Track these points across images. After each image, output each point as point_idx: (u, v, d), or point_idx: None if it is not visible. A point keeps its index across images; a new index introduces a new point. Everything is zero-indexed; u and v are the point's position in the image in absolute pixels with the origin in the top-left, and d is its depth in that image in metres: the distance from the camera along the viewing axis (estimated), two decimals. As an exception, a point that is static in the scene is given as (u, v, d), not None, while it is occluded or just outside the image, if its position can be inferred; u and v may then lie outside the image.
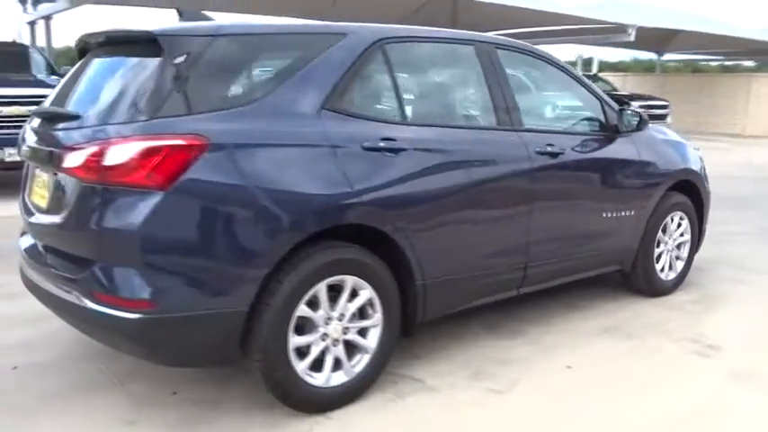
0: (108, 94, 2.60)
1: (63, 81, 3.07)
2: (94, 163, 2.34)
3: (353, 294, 2.76)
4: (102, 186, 2.35)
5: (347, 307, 2.75)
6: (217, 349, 2.50)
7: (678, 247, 4.45)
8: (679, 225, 4.41)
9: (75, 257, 2.52)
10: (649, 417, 2.77)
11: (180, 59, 2.44)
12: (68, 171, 2.46)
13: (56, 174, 2.62)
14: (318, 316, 2.67)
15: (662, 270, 4.34)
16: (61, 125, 2.67)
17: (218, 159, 2.38)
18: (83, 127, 2.53)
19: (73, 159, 2.41)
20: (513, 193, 3.34)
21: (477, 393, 2.97)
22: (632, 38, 16.66)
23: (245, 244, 2.45)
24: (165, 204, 2.30)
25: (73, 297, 2.46)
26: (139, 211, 2.30)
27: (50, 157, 2.61)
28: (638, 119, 3.96)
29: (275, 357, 2.55)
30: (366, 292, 2.79)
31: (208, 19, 3.05)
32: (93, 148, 2.36)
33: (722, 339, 3.64)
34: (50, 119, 2.82)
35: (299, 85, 2.67)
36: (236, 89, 2.60)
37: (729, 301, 4.35)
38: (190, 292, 2.39)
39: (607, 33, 17.06)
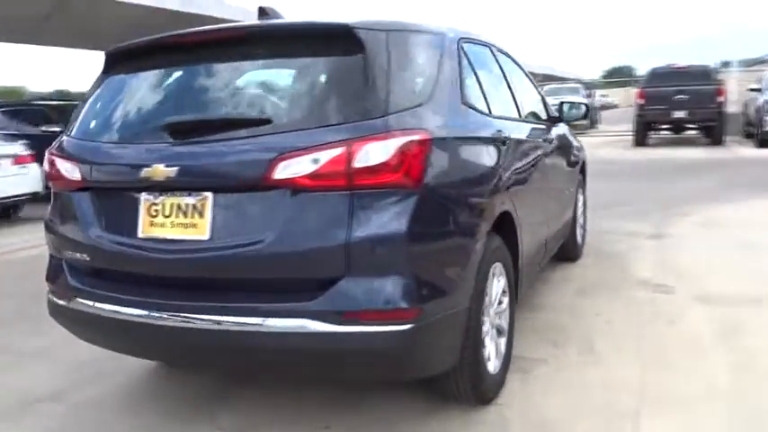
0: (300, 94, 2.37)
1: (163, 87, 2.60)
2: (339, 166, 2.09)
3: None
4: (347, 192, 2.11)
5: (494, 293, 2.84)
6: (451, 352, 2.41)
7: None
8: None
9: (293, 281, 2.19)
10: None
11: (386, 55, 2.31)
12: (290, 182, 2.14)
13: (229, 192, 2.27)
14: (486, 305, 2.72)
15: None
16: (239, 133, 2.29)
17: (440, 154, 2.33)
18: (283, 131, 2.22)
19: (300, 167, 2.12)
20: (544, 175, 3.79)
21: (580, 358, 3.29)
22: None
23: (468, 236, 2.45)
24: (419, 203, 2.18)
25: (296, 326, 2.13)
26: (398, 214, 2.13)
27: (226, 172, 2.26)
28: (584, 109, 4.67)
29: (476, 351, 2.55)
30: (503, 278, 2.91)
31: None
32: (338, 151, 2.10)
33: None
34: (190, 130, 2.39)
35: (446, 81, 2.69)
36: (418, 85, 2.52)
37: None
38: (442, 292, 2.29)
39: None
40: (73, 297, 2.59)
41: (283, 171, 2.14)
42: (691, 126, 16.03)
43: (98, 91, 2.75)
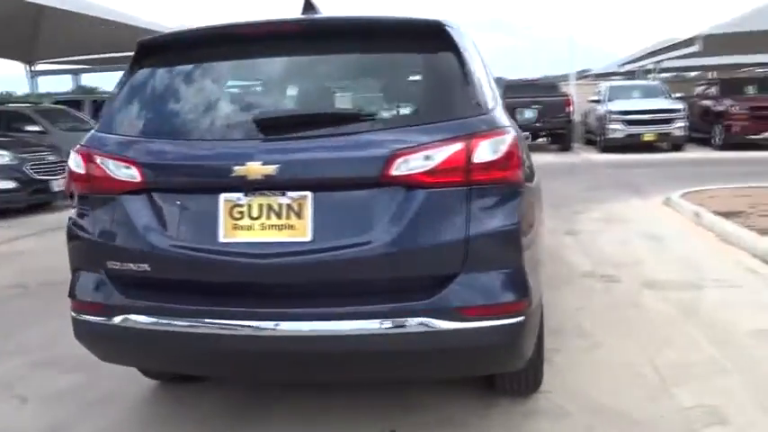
0: (400, 90, 2.39)
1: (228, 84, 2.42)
2: (458, 163, 2.10)
3: None
4: (465, 188, 2.12)
5: None
6: (535, 342, 2.48)
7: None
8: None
9: (407, 279, 2.15)
10: None
11: (469, 53, 2.34)
12: (408, 178, 2.10)
13: (332, 190, 2.18)
14: None
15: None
16: (344, 129, 2.19)
17: (520, 151, 2.40)
18: (394, 127, 2.17)
19: (419, 163, 2.10)
20: None
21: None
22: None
23: (540, 227, 2.56)
24: (522, 198, 2.25)
25: (417, 325, 2.10)
26: (510, 209, 2.18)
27: (333, 169, 2.16)
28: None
29: (541, 340, 2.67)
30: None
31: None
32: (457, 147, 2.10)
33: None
34: (276, 126, 2.24)
35: (490, 78, 2.76)
36: (489, 83, 2.56)
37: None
38: (537, 283, 2.36)
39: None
40: (121, 314, 2.30)
41: (401, 168, 2.10)
42: (542, 134, 17.51)
43: (136, 84, 2.48)
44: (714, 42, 16.69)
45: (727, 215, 6.52)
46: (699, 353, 3.32)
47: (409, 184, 2.11)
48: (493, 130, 2.18)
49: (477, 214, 2.13)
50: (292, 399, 2.94)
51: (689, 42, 16.98)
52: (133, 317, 2.27)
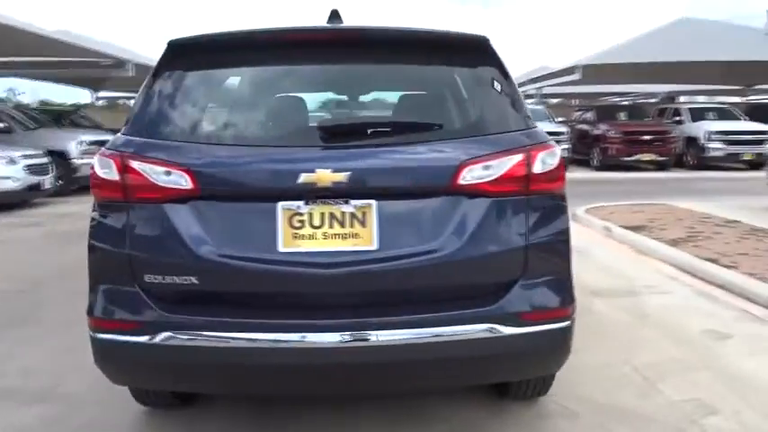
0: (456, 101, 2.42)
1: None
2: (520, 173, 2.19)
3: None
4: (524, 197, 2.21)
5: None
6: None
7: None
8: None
9: (471, 287, 2.19)
10: None
11: (507, 68, 2.43)
12: (473, 187, 2.16)
13: (397, 199, 2.18)
14: None
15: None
16: (409, 137, 2.22)
17: None
18: (457, 138, 2.22)
19: (484, 172, 2.17)
20: None
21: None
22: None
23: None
24: (565, 208, 2.36)
25: (482, 331, 2.15)
26: (560, 218, 2.30)
27: (401, 178, 2.17)
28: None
29: None
30: None
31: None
32: (519, 158, 2.18)
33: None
34: (337, 134, 2.22)
35: None
36: None
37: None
38: (573, 288, 2.47)
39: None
40: (163, 331, 2.14)
41: (467, 177, 2.15)
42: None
43: (172, 85, 2.35)
44: (592, 71, 18.08)
45: (634, 229, 7.15)
46: (665, 353, 3.63)
47: (474, 193, 2.17)
48: (545, 142, 2.29)
49: (534, 223, 2.23)
50: (306, 417, 2.86)
51: (570, 71, 18.30)
52: (179, 334, 2.12)
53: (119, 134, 2.33)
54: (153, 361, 2.19)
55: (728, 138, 16.06)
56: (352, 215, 2.15)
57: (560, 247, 2.30)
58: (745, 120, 17.25)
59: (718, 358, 3.54)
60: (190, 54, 2.39)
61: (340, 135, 2.21)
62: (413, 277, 2.15)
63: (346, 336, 2.09)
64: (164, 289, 2.16)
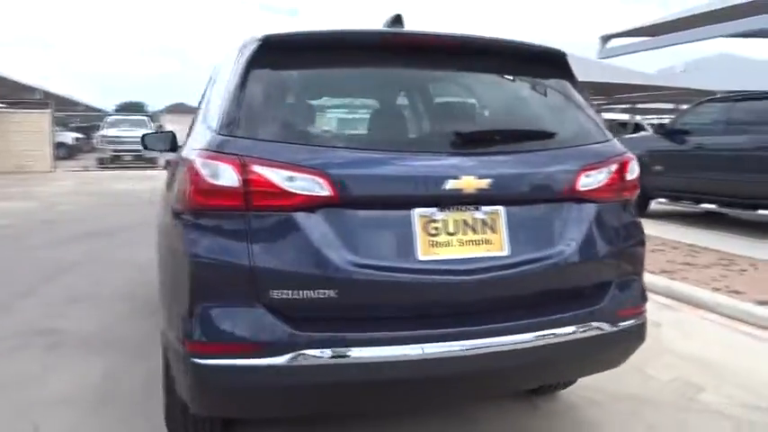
0: (555, 111, 2.53)
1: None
2: (620, 179, 2.37)
3: None
4: (620, 201, 2.39)
5: None
6: None
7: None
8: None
9: (583, 288, 2.31)
10: None
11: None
12: (587, 193, 2.29)
13: (521, 204, 2.23)
14: None
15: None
16: (531, 145, 2.30)
17: None
18: (570, 146, 2.33)
19: (595, 178, 2.31)
20: None
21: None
22: None
23: None
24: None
25: (592, 330, 2.28)
26: (638, 221, 2.52)
27: (529, 184, 2.24)
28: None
29: None
30: None
31: None
32: (618, 165, 2.36)
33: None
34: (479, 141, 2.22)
35: None
36: None
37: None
38: None
39: None
40: (291, 351, 1.94)
41: (583, 184, 2.28)
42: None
43: (278, 83, 2.19)
44: None
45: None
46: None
47: (587, 198, 2.30)
48: (628, 152, 2.50)
49: (625, 226, 2.42)
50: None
51: None
52: (311, 352, 1.94)
53: (211, 134, 2.08)
54: (272, 384, 1.97)
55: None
56: (483, 221, 2.15)
57: (641, 248, 2.52)
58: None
59: (669, 342, 4.05)
60: (289, 52, 2.21)
61: (471, 142, 2.19)
62: (539, 281, 2.21)
63: (484, 342, 2.08)
64: (293, 304, 1.96)
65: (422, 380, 2.08)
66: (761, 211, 7.69)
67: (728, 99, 8.85)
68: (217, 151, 2.01)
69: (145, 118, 24.51)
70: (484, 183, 2.10)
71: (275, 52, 2.19)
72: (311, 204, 1.98)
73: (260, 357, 1.94)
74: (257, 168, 1.96)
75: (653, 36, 18.11)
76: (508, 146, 2.27)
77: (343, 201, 2.01)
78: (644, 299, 2.51)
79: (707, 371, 3.57)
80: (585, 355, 2.35)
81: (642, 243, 2.52)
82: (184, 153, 2.39)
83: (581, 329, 2.25)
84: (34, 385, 3.23)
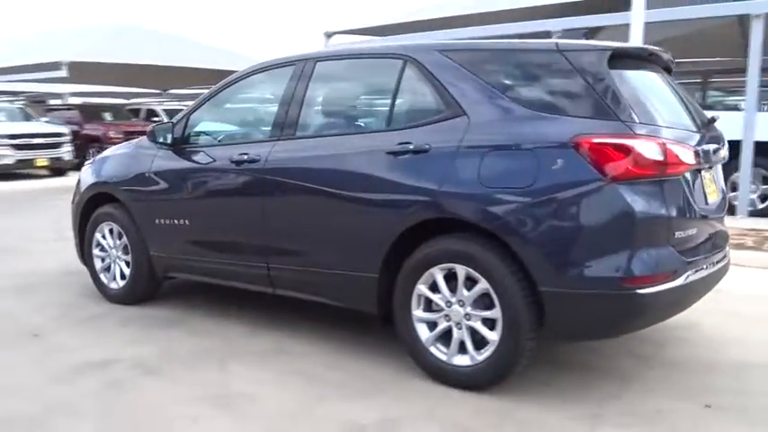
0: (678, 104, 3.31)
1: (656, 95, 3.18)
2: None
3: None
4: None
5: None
6: None
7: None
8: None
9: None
10: None
11: None
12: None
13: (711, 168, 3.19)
14: None
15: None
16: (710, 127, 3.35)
17: None
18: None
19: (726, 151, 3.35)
20: None
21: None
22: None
23: None
24: None
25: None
26: None
27: (719, 154, 3.21)
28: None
29: None
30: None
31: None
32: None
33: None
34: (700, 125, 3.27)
35: None
36: None
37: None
38: None
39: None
40: (684, 274, 2.76)
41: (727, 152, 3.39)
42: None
43: (623, 80, 2.87)
44: (79, 69, 15.87)
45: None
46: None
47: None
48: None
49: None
50: None
51: (55, 66, 15.47)
52: (690, 274, 2.81)
53: (615, 123, 2.70)
54: (677, 298, 2.81)
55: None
56: (711, 179, 3.24)
57: None
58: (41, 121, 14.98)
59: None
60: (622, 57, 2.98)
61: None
62: (716, 225, 3.23)
63: None
64: (682, 242, 2.81)
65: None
66: None
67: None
68: (651, 135, 2.74)
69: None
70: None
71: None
72: (688, 170, 2.88)
73: (673, 282, 2.72)
74: (672, 147, 2.75)
75: (380, 36, 18.73)
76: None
77: (699, 166, 2.99)
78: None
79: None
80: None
81: None
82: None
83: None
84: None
